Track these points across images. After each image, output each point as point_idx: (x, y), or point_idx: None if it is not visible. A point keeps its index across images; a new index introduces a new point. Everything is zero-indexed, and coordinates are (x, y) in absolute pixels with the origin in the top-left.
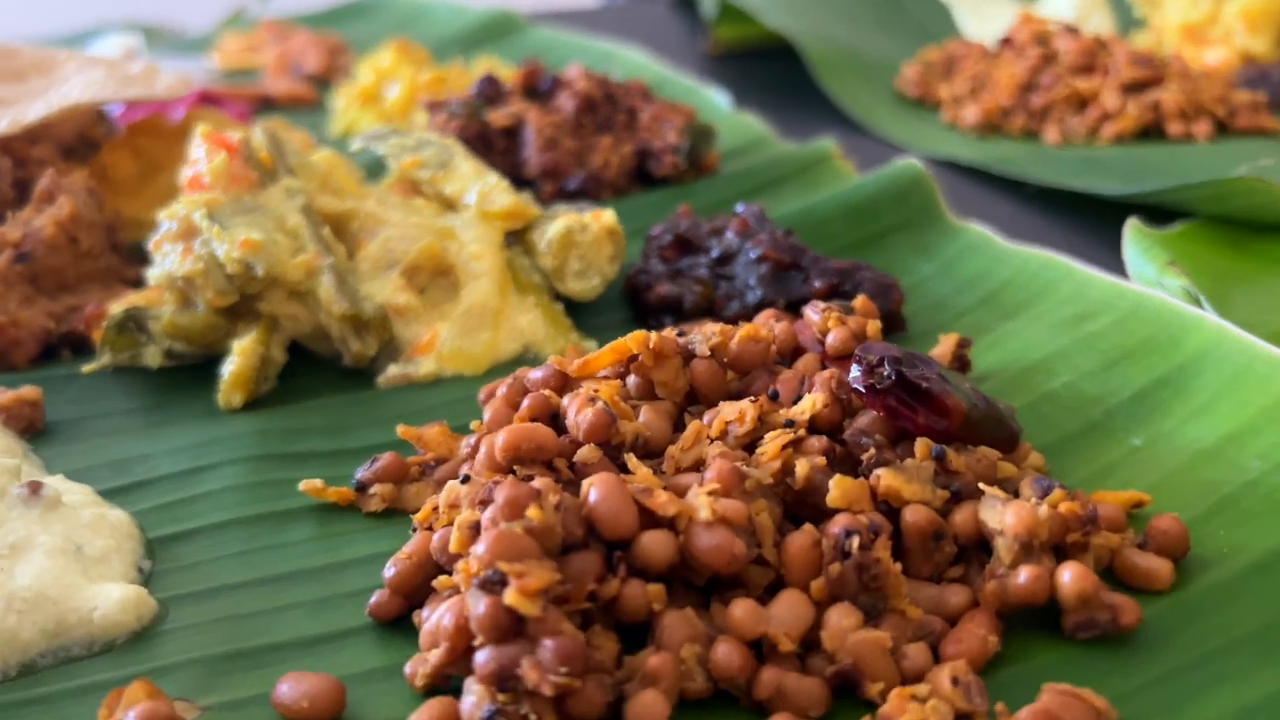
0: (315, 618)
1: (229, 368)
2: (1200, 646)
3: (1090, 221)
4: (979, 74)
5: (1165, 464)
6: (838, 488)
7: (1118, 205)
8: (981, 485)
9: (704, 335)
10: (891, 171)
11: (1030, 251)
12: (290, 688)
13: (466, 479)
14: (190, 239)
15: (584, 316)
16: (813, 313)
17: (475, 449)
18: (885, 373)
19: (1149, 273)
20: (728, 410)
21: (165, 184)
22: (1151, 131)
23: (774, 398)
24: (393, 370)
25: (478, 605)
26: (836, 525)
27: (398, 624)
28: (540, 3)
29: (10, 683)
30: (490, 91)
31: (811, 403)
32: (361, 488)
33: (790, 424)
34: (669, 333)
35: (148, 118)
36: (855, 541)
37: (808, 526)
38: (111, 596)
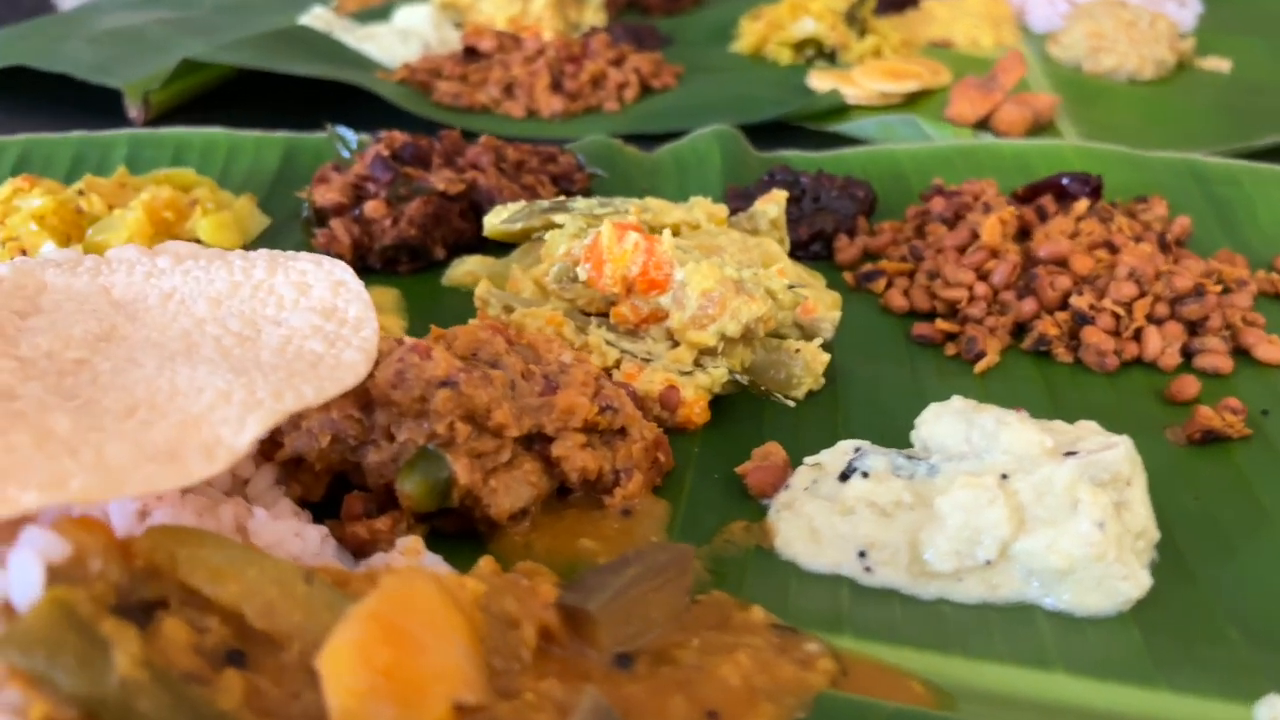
0: None
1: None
2: None
3: None
4: (499, 79)
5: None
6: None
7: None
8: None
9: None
10: (714, 134)
11: (866, 149)
12: None
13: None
14: (740, 294)
15: None
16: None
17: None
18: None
19: (966, 134)
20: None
21: None
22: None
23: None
24: (827, 329)
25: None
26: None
27: None
28: None
29: None
30: (390, 170)
31: (1082, 206)
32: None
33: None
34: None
35: None
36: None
37: None
38: None
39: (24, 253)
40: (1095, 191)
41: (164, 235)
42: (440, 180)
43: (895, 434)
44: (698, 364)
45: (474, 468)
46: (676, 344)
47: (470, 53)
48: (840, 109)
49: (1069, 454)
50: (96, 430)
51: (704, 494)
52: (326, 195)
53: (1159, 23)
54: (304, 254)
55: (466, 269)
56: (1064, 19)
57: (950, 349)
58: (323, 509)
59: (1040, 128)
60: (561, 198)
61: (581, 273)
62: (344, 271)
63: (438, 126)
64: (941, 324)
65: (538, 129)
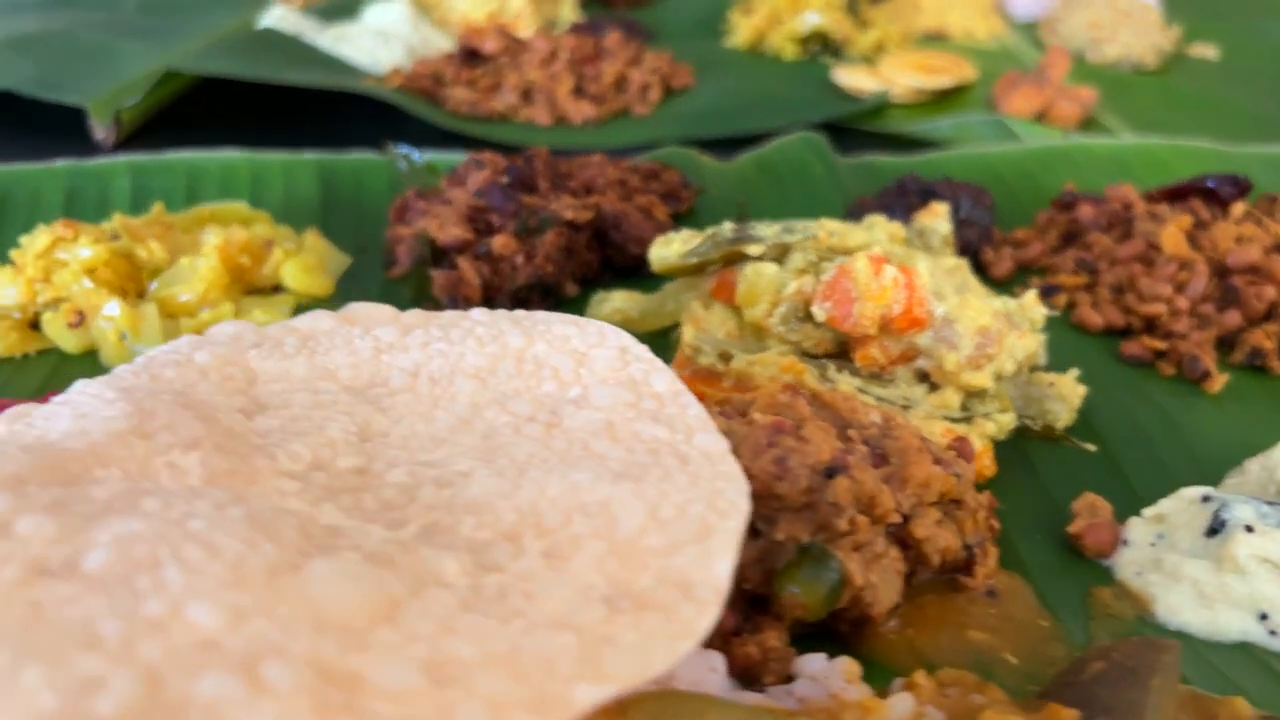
0: None
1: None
2: None
3: None
4: (515, 84)
5: None
6: None
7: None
8: None
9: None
10: (803, 141)
11: (955, 153)
12: None
13: None
14: (1013, 329)
15: None
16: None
17: None
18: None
19: (1057, 134)
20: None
21: None
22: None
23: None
24: (1040, 354)
25: None
26: None
27: None
28: None
29: None
30: (513, 199)
31: (1240, 209)
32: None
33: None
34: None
35: None
36: None
37: None
38: None
39: (81, 315)
40: (1242, 193)
41: (239, 284)
42: (565, 208)
43: (1179, 471)
44: (963, 408)
45: (862, 563)
46: (932, 386)
47: (470, 54)
48: (882, 108)
49: None
50: (492, 570)
51: (1040, 560)
52: (449, 231)
53: (1149, 12)
54: (551, 315)
55: (614, 307)
56: (1044, 8)
57: (1165, 368)
58: None
59: (1087, 122)
60: (739, 226)
61: (820, 312)
62: (619, 335)
63: (449, 138)
64: (1148, 341)
65: (567, 137)
